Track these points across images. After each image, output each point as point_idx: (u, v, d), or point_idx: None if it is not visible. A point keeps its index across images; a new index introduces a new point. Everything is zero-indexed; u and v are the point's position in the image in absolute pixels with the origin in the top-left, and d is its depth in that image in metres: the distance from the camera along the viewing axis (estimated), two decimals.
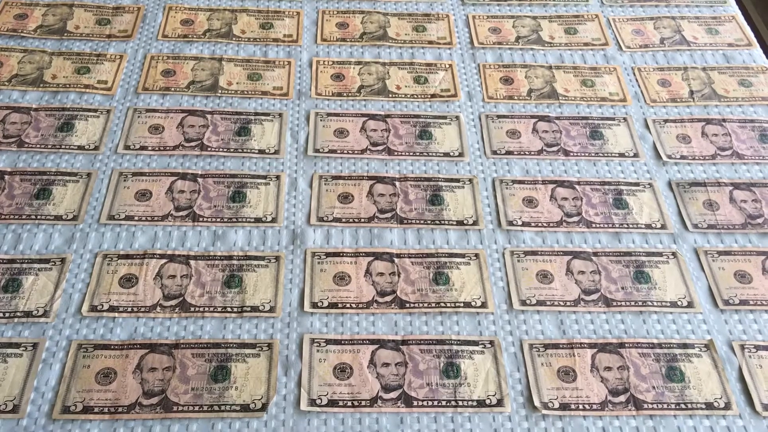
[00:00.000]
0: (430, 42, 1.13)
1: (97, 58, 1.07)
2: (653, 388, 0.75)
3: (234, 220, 0.88)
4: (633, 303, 0.82)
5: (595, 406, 0.74)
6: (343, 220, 0.89)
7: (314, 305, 0.81)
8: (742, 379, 0.77)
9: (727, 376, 0.77)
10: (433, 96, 1.05)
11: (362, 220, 0.89)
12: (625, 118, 1.03)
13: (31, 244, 0.85)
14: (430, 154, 0.97)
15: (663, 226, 0.90)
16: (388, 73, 1.08)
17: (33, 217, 0.87)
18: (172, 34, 1.12)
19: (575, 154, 0.98)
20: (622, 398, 0.75)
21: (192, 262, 0.84)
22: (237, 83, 1.05)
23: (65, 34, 1.10)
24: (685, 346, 0.79)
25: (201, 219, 0.88)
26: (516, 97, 1.05)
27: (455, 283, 0.83)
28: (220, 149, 0.96)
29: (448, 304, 0.81)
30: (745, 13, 1.42)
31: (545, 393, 0.75)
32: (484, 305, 0.82)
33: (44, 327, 0.78)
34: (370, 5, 1.19)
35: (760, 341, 0.80)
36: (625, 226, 0.90)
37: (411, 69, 1.09)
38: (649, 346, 0.79)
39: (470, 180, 0.94)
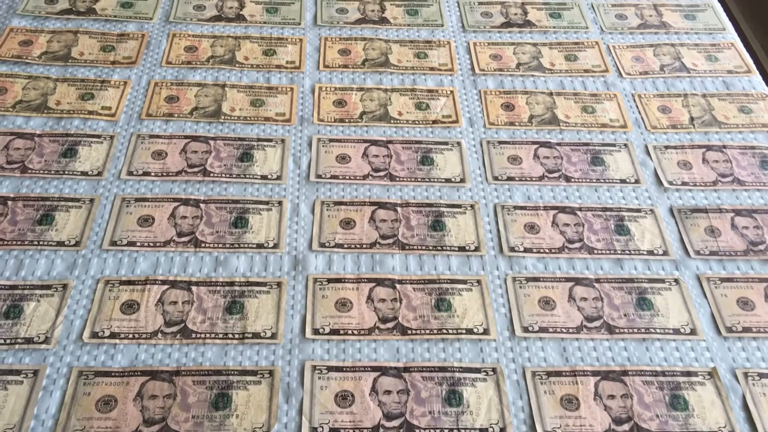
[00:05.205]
0: (432, 68, 1.14)
1: (101, 84, 1.08)
2: (657, 416, 0.75)
3: (236, 245, 0.88)
4: (636, 330, 0.82)
5: None
6: (345, 245, 0.89)
7: (316, 332, 0.81)
8: (746, 407, 0.76)
9: (731, 404, 0.76)
10: (434, 122, 1.05)
11: (364, 245, 0.89)
12: (626, 144, 1.03)
13: (33, 270, 0.85)
14: (432, 179, 0.97)
15: (665, 253, 0.90)
16: (389, 99, 1.08)
17: (35, 242, 0.87)
18: (175, 61, 1.13)
19: (576, 180, 0.98)
20: (626, 427, 0.74)
21: (194, 288, 0.84)
22: (240, 109, 1.05)
23: (70, 61, 1.11)
24: (688, 374, 0.79)
25: (203, 245, 0.88)
26: (517, 123, 1.06)
27: (457, 310, 0.83)
28: (223, 175, 0.96)
29: (450, 331, 0.81)
30: (744, 40, 1.43)
31: (548, 421, 0.74)
32: (486, 332, 0.81)
33: (45, 354, 0.77)
34: (372, 32, 1.20)
35: (763, 369, 0.79)
36: (627, 252, 0.90)
37: (413, 95, 1.09)
38: (653, 374, 0.78)
39: (472, 206, 0.94)
